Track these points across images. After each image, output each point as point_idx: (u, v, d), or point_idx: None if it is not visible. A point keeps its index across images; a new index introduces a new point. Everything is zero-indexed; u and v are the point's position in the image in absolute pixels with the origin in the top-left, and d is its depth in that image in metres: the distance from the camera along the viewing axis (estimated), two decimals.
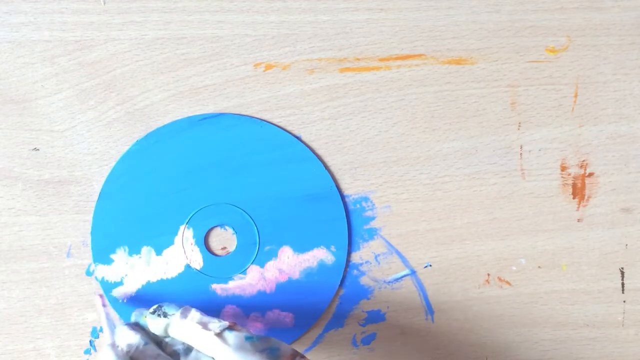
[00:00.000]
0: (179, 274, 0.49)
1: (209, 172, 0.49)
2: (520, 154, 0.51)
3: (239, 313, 0.49)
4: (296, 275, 0.49)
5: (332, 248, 0.49)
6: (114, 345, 0.41)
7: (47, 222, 0.49)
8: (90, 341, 0.49)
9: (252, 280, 0.49)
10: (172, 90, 0.50)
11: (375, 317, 0.50)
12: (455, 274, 0.50)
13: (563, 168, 0.51)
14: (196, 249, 0.49)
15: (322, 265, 0.49)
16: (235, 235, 0.49)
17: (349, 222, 0.50)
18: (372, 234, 0.50)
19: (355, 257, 0.50)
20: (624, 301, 0.51)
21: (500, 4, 0.51)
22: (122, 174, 0.49)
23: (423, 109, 0.51)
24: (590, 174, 0.51)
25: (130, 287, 0.49)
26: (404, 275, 0.50)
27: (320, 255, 0.49)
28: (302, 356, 0.40)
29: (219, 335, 0.40)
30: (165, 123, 0.50)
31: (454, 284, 0.50)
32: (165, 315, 0.42)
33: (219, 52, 0.50)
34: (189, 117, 0.50)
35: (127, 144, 0.50)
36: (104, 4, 0.50)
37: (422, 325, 0.50)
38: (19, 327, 0.49)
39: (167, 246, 0.49)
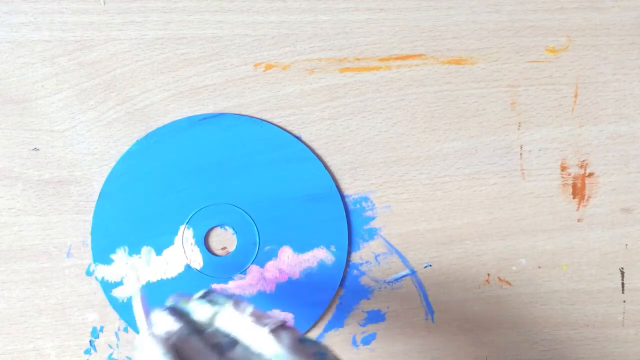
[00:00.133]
0: (179, 274, 0.49)
1: (209, 172, 0.49)
2: (520, 154, 0.51)
3: None
4: (296, 275, 0.49)
5: (332, 248, 0.49)
6: (155, 335, 0.37)
7: (47, 222, 0.49)
8: (90, 341, 0.49)
9: (252, 280, 0.49)
10: (172, 90, 0.50)
11: (375, 317, 0.50)
12: (455, 274, 0.50)
13: (563, 168, 0.51)
14: (196, 249, 0.49)
15: (322, 265, 0.49)
16: (235, 235, 0.49)
17: (349, 222, 0.50)
18: (372, 234, 0.50)
19: (355, 257, 0.50)
20: (624, 301, 0.51)
21: (500, 4, 0.51)
22: (122, 174, 0.49)
23: (423, 109, 0.51)
24: (590, 174, 0.51)
25: (130, 287, 0.49)
26: (404, 275, 0.50)
27: (320, 255, 0.49)
28: None
29: (274, 332, 0.37)
30: (165, 123, 0.50)
31: (454, 284, 0.50)
32: (214, 302, 0.39)
33: (219, 52, 0.50)
34: (189, 117, 0.50)
35: (127, 144, 0.50)
36: (104, 4, 0.50)
37: (422, 325, 0.50)
38: (19, 327, 0.49)
39: (167, 246, 0.49)
